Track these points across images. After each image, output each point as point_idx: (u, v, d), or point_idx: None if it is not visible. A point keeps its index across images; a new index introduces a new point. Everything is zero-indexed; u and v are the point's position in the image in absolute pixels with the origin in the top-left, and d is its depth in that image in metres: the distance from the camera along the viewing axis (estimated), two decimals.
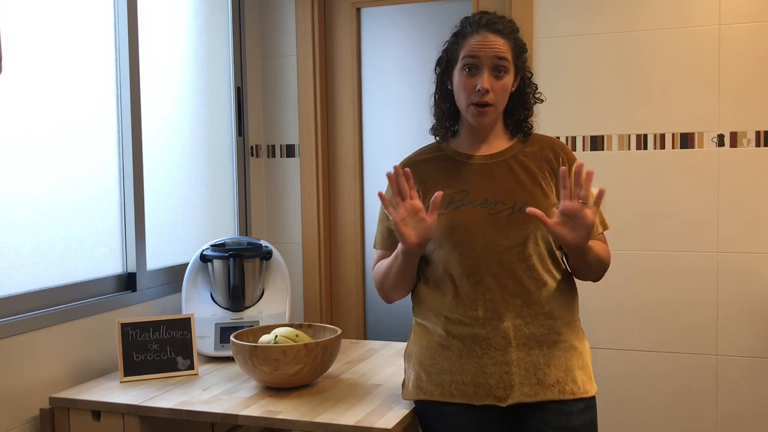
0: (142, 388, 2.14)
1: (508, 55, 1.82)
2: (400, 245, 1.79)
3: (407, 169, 1.75)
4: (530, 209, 1.68)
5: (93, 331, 2.32)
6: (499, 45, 1.81)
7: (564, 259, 1.91)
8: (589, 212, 1.66)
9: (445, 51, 1.91)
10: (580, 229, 1.67)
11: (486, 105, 1.82)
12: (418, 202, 1.74)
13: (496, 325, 1.80)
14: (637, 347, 2.83)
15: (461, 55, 1.84)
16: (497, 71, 1.81)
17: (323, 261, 3.22)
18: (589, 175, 1.68)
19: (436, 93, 1.95)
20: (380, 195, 1.74)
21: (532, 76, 1.94)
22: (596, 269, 1.85)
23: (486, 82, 1.80)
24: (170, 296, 2.66)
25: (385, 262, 1.90)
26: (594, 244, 1.79)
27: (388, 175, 1.74)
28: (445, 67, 1.91)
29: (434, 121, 1.97)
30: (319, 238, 3.20)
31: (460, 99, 1.86)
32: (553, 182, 1.87)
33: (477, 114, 1.83)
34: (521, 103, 1.91)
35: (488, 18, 1.85)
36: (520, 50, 1.86)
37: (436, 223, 1.75)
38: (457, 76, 1.85)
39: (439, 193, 1.72)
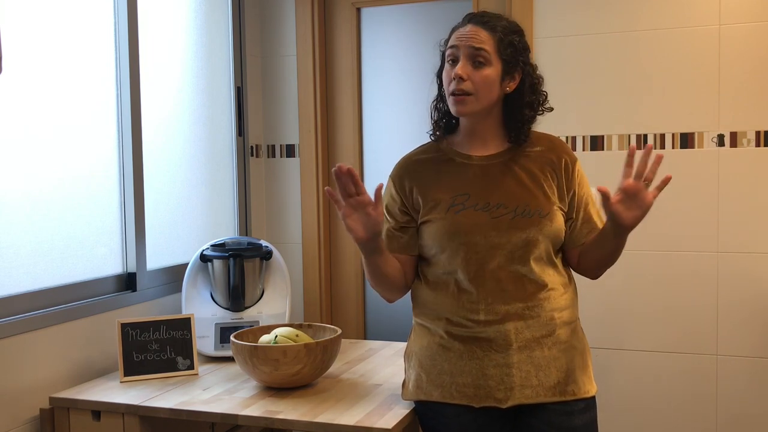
0: (142, 388, 2.14)
1: (487, 47, 1.80)
2: (359, 246, 1.78)
3: (350, 168, 1.69)
4: (601, 187, 1.66)
5: (93, 331, 2.32)
6: (478, 35, 1.81)
7: (571, 255, 1.91)
8: (650, 194, 1.68)
9: (442, 52, 1.92)
10: (636, 209, 1.68)
11: (463, 93, 1.81)
12: (365, 198, 1.70)
13: (497, 327, 1.80)
14: (637, 347, 2.83)
15: (446, 48, 1.86)
16: (475, 62, 1.80)
17: (323, 261, 3.22)
18: (658, 158, 1.68)
19: (437, 93, 1.95)
20: (327, 190, 1.68)
21: (539, 83, 1.89)
22: (614, 258, 1.86)
23: (460, 69, 1.80)
24: (170, 296, 2.66)
25: None
26: None
27: (335, 173, 1.69)
28: (440, 66, 1.92)
29: (432, 121, 1.97)
30: (319, 238, 3.20)
31: (445, 91, 1.87)
32: (555, 183, 1.87)
33: (455, 102, 1.82)
34: (519, 107, 1.86)
35: (479, 13, 1.88)
36: (509, 46, 1.82)
37: (382, 217, 1.72)
38: (444, 69, 1.87)
39: (379, 184, 1.71)
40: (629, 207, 1.68)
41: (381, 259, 1.81)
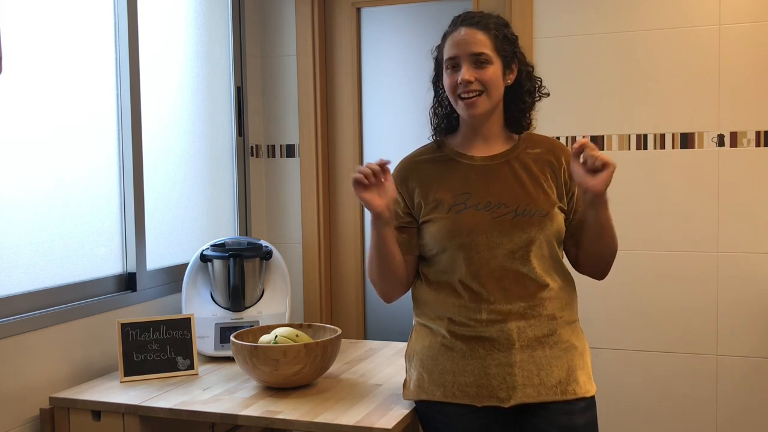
0: (142, 388, 2.14)
1: (487, 49, 1.82)
2: (371, 221, 1.80)
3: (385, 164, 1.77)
4: (576, 144, 1.68)
5: (93, 331, 2.32)
6: (475, 38, 1.82)
7: (572, 255, 1.92)
8: (597, 155, 1.68)
9: (435, 58, 1.93)
10: (598, 176, 1.69)
11: (473, 95, 1.81)
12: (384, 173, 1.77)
13: (500, 327, 1.80)
14: (637, 347, 2.83)
15: (444, 56, 1.87)
16: (478, 63, 1.82)
17: (323, 261, 3.22)
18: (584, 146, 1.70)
19: (434, 98, 1.97)
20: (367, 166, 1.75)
21: (533, 70, 1.92)
22: (609, 241, 1.84)
23: (466, 74, 1.81)
24: (170, 296, 2.66)
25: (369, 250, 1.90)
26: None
27: (379, 164, 1.76)
28: (436, 71, 1.93)
29: (432, 127, 1.98)
30: (319, 238, 3.20)
31: (451, 98, 1.87)
32: (554, 184, 1.87)
33: (467, 106, 1.83)
34: (519, 96, 1.90)
35: (466, 14, 1.88)
36: (504, 41, 1.84)
37: (393, 184, 1.77)
38: (444, 77, 1.88)
39: (385, 160, 1.77)
40: (594, 177, 1.70)
41: (390, 234, 1.82)
